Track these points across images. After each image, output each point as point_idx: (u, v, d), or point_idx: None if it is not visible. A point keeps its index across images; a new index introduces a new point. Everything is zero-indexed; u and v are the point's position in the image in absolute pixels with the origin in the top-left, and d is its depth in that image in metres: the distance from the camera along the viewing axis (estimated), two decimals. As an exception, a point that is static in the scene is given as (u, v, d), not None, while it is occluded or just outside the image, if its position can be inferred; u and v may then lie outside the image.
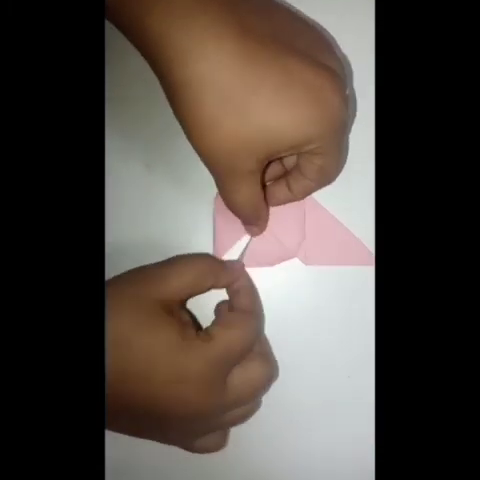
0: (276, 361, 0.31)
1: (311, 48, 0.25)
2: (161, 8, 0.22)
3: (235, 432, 0.31)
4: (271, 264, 0.32)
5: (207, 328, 0.27)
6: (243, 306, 0.29)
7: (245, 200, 0.27)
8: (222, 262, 0.30)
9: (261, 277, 0.32)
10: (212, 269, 0.28)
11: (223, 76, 0.22)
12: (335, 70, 0.25)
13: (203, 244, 0.32)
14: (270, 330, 0.32)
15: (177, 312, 0.27)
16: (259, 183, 0.26)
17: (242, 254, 0.32)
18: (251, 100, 0.23)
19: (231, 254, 0.32)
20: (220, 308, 0.30)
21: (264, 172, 0.28)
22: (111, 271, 0.27)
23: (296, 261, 0.32)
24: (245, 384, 0.27)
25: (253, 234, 0.31)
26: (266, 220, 0.31)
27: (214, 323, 0.28)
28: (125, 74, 0.31)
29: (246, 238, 0.32)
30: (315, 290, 0.32)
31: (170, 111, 0.24)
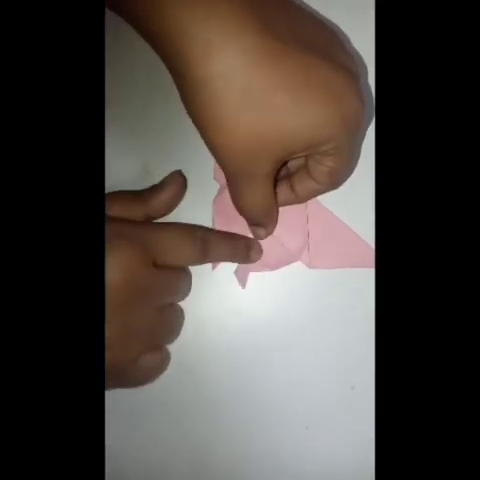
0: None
1: (328, 47, 0.24)
2: (178, 0, 0.21)
3: (236, 434, 0.31)
4: (274, 268, 0.31)
5: None
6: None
7: (258, 201, 0.27)
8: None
9: (264, 281, 0.31)
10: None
11: (243, 73, 0.22)
12: (352, 70, 0.25)
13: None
14: (273, 334, 0.31)
15: None
16: (272, 184, 0.26)
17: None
18: (271, 98, 0.22)
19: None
20: None
21: (278, 173, 0.27)
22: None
23: (299, 264, 0.31)
24: None
25: (259, 237, 0.31)
26: (275, 223, 0.30)
27: None
28: (126, 72, 0.31)
29: None
30: (319, 293, 0.31)
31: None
